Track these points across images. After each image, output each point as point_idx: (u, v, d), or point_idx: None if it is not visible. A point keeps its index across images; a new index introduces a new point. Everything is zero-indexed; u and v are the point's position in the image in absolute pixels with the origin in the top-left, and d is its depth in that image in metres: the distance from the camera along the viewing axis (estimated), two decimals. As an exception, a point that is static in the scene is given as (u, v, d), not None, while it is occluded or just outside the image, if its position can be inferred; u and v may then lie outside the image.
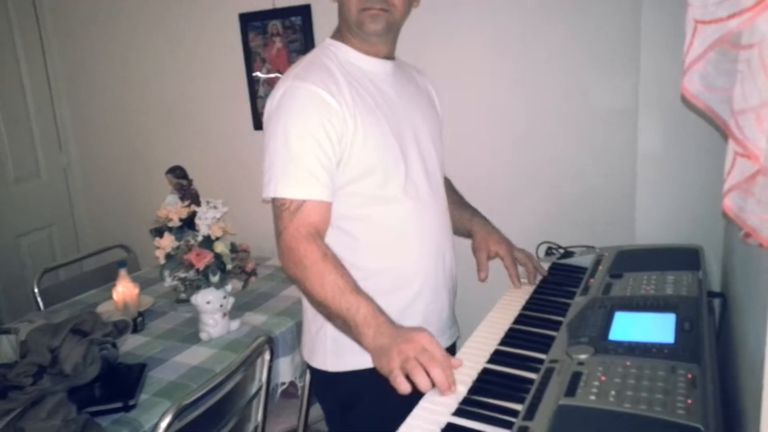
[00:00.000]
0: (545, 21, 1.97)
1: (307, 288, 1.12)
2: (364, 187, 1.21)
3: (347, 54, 1.25)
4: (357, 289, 1.08)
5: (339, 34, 1.28)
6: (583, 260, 1.45)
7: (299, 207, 1.14)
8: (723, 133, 0.77)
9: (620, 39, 1.86)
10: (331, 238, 1.21)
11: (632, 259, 1.34)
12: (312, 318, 1.30)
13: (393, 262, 1.27)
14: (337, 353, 1.27)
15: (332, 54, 1.25)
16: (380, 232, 1.24)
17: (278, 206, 1.16)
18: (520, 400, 0.92)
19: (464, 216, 1.51)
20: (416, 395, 0.98)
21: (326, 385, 1.34)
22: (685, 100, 0.76)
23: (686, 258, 1.28)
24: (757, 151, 0.70)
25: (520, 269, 1.45)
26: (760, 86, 0.69)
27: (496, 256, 1.46)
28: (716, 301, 1.30)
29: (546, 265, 1.49)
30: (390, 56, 1.31)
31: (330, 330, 1.24)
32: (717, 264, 1.49)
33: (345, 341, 1.17)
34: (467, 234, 1.50)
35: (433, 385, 0.97)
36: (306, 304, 1.29)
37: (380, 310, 1.06)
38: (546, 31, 1.98)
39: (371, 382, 1.10)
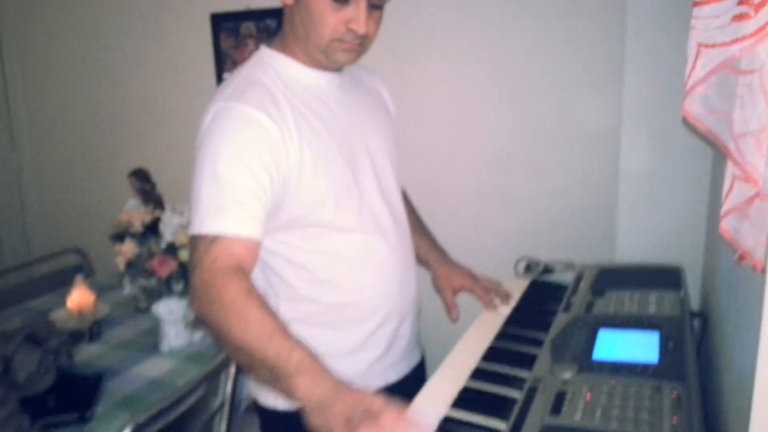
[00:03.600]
0: (528, 36, 2.00)
1: (224, 331, 0.94)
2: (318, 218, 1.08)
3: (288, 67, 1.10)
4: (287, 332, 0.93)
5: (281, 44, 1.11)
6: (564, 277, 1.45)
7: (216, 239, 0.97)
8: (722, 155, 0.78)
9: (604, 56, 1.88)
10: (287, 272, 1.10)
11: (614, 277, 1.34)
12: None
13: (355, 295, 1.14)
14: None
15: (271, 69, 1.09)
16: (339, 264, 1.12)
17: (195, 239, 0.99)
18: (504, 418, 0.90)
19: (420, 244, 1.40)
20: None
21: (275, 424, 1.19)
22: (686, 123, 0.77)
23: (667, 277, 1.30)
24: (755, 175, 0.70)
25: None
26: (760, 111, 0.70)
27: (461, 290, 1.40)
28: (695, 322, 1.32)
29: (525, 282, 1.49)
30: (338, 69, 1.15)
31: None
32: (696, 284, 1.52)
33: None
34: (423, 263, 1.42)
35: None
36: None
37: (316, 357, 0.91)
38: (529, 47, 2.00)
39: None
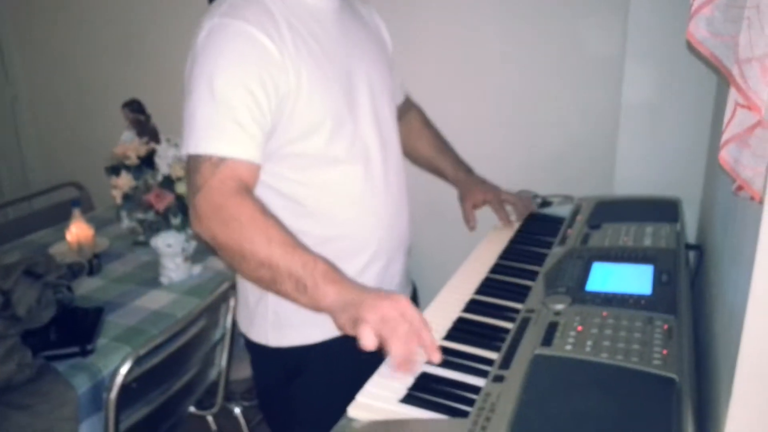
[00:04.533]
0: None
1: (245, 248, 0.94)
2: (308, 147, 1.05)
3: None
4: (307, 247, 0.95)
5: None
6: (561, 210, 1.44)
7: (222, 161, 0.96)
8: (725, 82, 0.74)
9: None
10: (275, 205, 1.05)
11: (611, 210, 1.33)
12: (251, 287, 1.15)
13: (344, 228, 1.13)
14: (279, 326, 1.14)
15: None
16: (328, 197, 1.10)
17: (197, 159, 0.97)
18: (496, 349, 0.91)
19: (446, 164, 1.42)
20: (367, 367, 0.89)
21: (266, 359, 1.20)
22: (690, 47, 0.73)
23: (665, 210, 1.29)
24: (759, 102, 0.68)
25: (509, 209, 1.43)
26: (767, 34, 0.66)
27: (483, 204, 1.41)
28: (691, 254, 1.31)
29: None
30: None
31: (272, 301, 1.12)
32: (694, 217, 1.51)
33: (288, 314, 1.08)
34: (450, 181, 1.44)
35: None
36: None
37: (339, 268, 0.94)
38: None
39: (315, 356, 1.04)
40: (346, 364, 0.97)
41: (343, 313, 0.90)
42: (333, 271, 0.93)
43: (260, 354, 1.20)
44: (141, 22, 2.61)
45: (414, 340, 0.88)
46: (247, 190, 0.97)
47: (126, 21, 2.63)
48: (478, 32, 2.04)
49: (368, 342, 0.87)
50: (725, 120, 0.72)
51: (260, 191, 1.06)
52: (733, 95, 0.71)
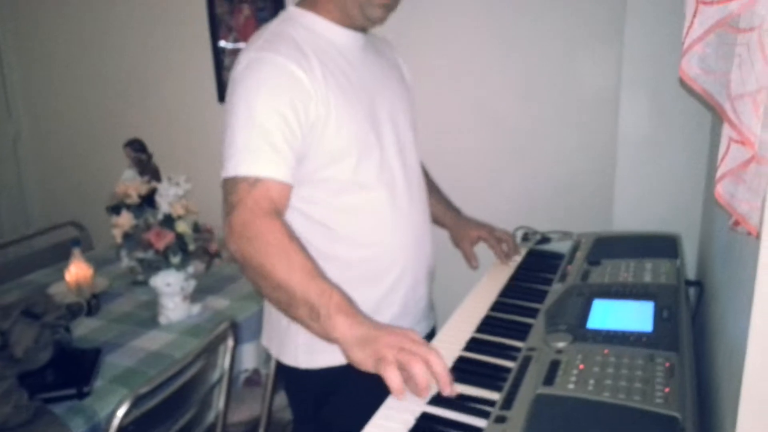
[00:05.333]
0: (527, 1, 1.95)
1: (266, 269, 0.99)
2: (338, 173, 1.13)
3: (316, 24, 1.15)
4: (326, 275, 0.99)
5: (310, 2, 1.16)
6: (561, 246, 1.45)
7: (258, 181, 1.03)
8: (719, 118, 0.75)
9: (604, 18, 1.84)
10: (306, 229, 1.13)
11: (610, 246, 1.33)
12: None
13: (370, 252, 1.19)
14: (309, 349, 1.19)
15: (298, 25, 1.14)
16: (356, 221, 1.17)
17: (234, 180, 1.04)
18: (498, 389, 0.90)
19: (437, 206, 1.47)
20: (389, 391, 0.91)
21: (298, 382, 1.26)
22: (682, 83, 0.74)
23: (664, 245, 1.29)
24: (752, 137, 0.68)
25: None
26: (758, 71, 0.67)
27: (479, 241, 1.46)
28: (692, 290, 1.31)
29: (523, 251, 1.49)
30: (364, 29, 1.21)
31: None
32: (693, 252, 1.51)
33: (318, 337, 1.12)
34: (441, 224, 1.49)
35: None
36: None
37: (353, 301, 0.97)
38: (528, 11, 1.96)
39: (346, 378, 1.05)
40: (376, 385, 0.96)
41: (360, 350, 0.91)
42: (347, 303, 0.95)
43: (292, 377, 1.24)
44: (144, 63, 2.66)
45: (428, 368, 0.88)
46: (277, 212, 1.04)
47: (129, 61, 2.69)
48: (477, 70, 2.08)
49: (395, 382, 0.87)
50: (720, 155, 0.72)
51: (291, 216, 1.11)
52: (726, 131, 0.72)
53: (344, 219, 1.16)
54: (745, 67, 0.68)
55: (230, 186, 1.05)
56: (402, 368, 0.88)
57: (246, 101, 1.05)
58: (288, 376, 1.27)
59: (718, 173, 0.73)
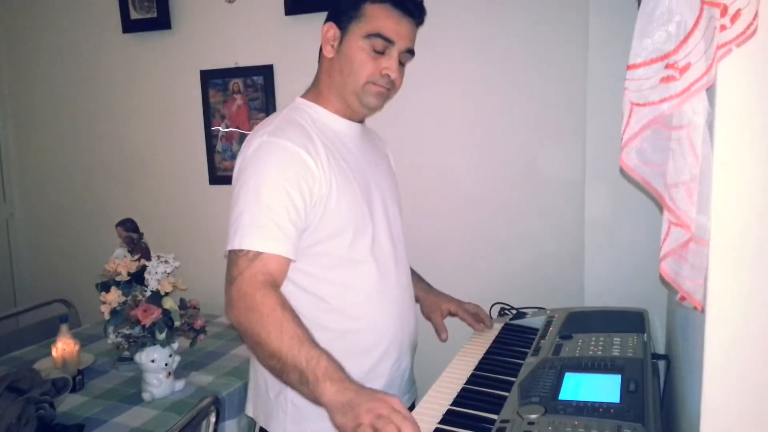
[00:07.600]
0: (498, 89, 2.07)
1: (262, 337, 1.06)
2: (333, 248, 1.22)
3: (321, 115, 1.27)
4: (316, 342, 1.05)
5: (314, 95, 1.30)
6: (535, 321, 1.49)
7: (258, 255, 1.11)
8: (659, 203, 0.83)
9: (568, 111, 1.96)
10: (300, 300, 1.19)
11: (581, 321, 1.38)
12: (271, 381, 1.25)
13: (360, 324, 1.27)
14: (298, 420, 1.23)
15: (305, 114, 1.26)
16: (348, 294, 1.25)
17: (236, 254, 1.13)
18: (472, 461, 0.92)
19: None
20: None
21: None
22: (623, 172, 0.82)
23: (632, 320, 1.34)
24: (688, 221, 0.76)
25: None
26: (690, 163, 0.76)
27: (448, 315, 1.52)
28: (661, 364, 1.35)
29: (499, 326, 1.53)
30: (362, 120, 1.35)
31: (291, 395, 1.21)
32: (662, 326, 1.56)
33: (307, 407, 1.14)
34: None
35: None
36: (259, 367, 1.24)
37: (341, 367, 1.02)
38: (498, 99, 2.07)
39: None
40: None
41: (342, 415, 0.96)
42: (335, 369, 1.00)
43: None
44: (139, 144, 2.73)
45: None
46: (274, 284, 1.11)
47: (125, 144, 2.76)
48: (457, 161, 2.17)
49: None
50: (662, 237, 0.80)
51: (287, 288, 1.18)
52: (666, 215, 0.79)
53: (336, 291, 1.24)
54: (679, 159, 0.77)
55: (233, 258, 1.13)
56: None
57: (255, 181, 1.14)
58: None
59: (662, 252, 0.80)
